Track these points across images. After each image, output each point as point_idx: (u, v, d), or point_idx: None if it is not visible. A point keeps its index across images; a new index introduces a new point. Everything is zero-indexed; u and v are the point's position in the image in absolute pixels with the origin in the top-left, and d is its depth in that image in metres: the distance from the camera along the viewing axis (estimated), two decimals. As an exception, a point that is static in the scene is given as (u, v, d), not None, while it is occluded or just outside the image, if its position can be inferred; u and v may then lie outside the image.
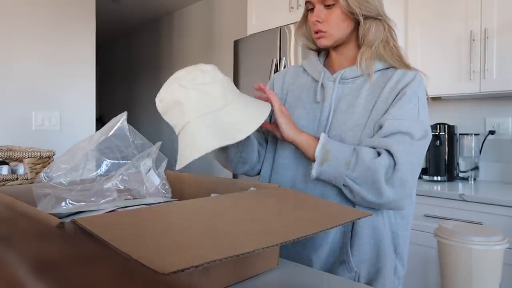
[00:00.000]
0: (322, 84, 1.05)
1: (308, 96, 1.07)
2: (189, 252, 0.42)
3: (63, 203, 0.71)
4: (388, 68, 1.01)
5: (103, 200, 0.73)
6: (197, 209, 0.60)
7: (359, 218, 0.62)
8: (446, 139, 2.12)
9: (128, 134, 0.79)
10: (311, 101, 1.06)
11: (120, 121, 0.79)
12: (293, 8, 2.31)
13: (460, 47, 2.02)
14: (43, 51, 2.35)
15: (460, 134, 2.17)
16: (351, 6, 0.98)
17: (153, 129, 4.58)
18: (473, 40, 1.96)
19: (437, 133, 2.12)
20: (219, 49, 3.61)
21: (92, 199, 0.72)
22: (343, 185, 0.91)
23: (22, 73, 2.28)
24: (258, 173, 1.15)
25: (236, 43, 2.50)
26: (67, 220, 0.49)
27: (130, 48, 5.20)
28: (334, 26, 1.00)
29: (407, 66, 1.00)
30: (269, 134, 1.12)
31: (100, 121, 4.86)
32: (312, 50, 1.14)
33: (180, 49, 4.18)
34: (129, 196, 0.77)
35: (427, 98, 1.00)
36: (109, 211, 0.66)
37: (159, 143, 0.94)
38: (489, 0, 1.91)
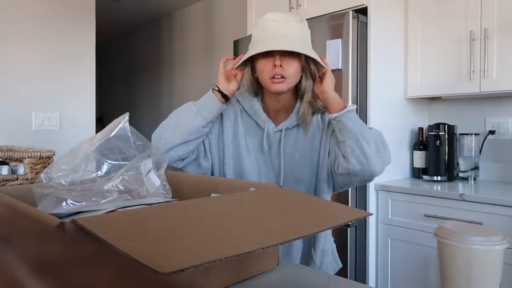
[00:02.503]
0: (267, 133, 1.16)
1: (258, 143, 1.17)
2: (189, 252, 0.42)
3: (64, 203, 0.71)
4: (313, 112, 1.16)
5: (104, 201, 0.73)
6: (197, 209, 0.60)
7: (359, 218, 0.61)
8: (446, 139, 2.12)
9: (130, 135, 0.79)
10: (260, 148, 1.17)
11: (122, 122, 0.79)
12: (293, 8, 2.31)
13: (460, 47, 2.02)
14: (43, 51, 2.35)
15: (460, 134, 2.17)
16: (310, 66, 1.11)
17: (153, 129, 4.58)
18: (473, 40, 1.96)
19: (437, 133, 2.12)
20: (219, 49, 3.61)
21: (93, 199, 0.72)
22: (352, 140, 1.02)
23: (22, 73, 2.27)
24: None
25: (236, 43, 2.50)
26: (67, 220, 0.49)
27: (130, 48, 5.20)
28: (293, 73, 1.09)
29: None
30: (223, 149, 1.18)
31: (100, 121, 4.86)
32: (249, 94, 1.19)
33: (180, 49, 4.17)
34: (129, 197, 0.77)
35: None
36: (109, 211, 0.66)
37: (159, 143, 0.93)
38: (489, 0, 1.92)
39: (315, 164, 1.13)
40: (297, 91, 1.17)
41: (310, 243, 1.16)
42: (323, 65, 1.11)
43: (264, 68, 1.08)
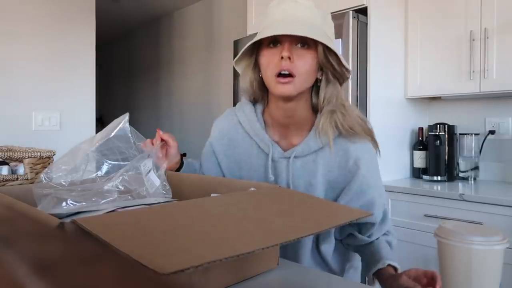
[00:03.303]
0: (272, 159, 0.91)
1: (260, 169, 0.94)
2: (189, 252, 0.42)
3: (64, 204, 0.71)
4: (339, 135, 0.88)
5: (104, 201, 0.73)
6: (197, 209, 0.60)
7: (359, 218, 0.62)
8: (446, 139, 2.12)
9: (130, 135, 0.79)
10: (263, 176, 0.93)
11: (122, 122, 0.79)
12: (293, 8, 2.31)
13: (460, 47, 2.02)
14: (43, 51, 2.35)
15: (460, 134, 2.17)
16: (331, 63, 0.83)
17: (153, 129, 4.58)
18: (473, 40, 1.96)
19: (437, 133, 2.12)
20: (219, 49, 3.61)
21: (93, 199, 0.72)
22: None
23: (22, 73, 2.27)
24: None
25: (236, 43, 2.50)
26: (67, 220, 0.49)
27: (130, 49, 5.20)
28: (306, 71, 0.82)
29: (365, 132, 0.88)
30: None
31: (100, 121, 4.86)
32: (246, 99, 0.96)
33: (180, 49, 4.17)
34: (129, 197, 0.77)
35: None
36: (109, 211, 0.66)
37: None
38: (489, 0, 1.92)
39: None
40: (315, 102, 0.89)
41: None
42: (348, 67, 0.86)
43: (269, 61, 0.82)
